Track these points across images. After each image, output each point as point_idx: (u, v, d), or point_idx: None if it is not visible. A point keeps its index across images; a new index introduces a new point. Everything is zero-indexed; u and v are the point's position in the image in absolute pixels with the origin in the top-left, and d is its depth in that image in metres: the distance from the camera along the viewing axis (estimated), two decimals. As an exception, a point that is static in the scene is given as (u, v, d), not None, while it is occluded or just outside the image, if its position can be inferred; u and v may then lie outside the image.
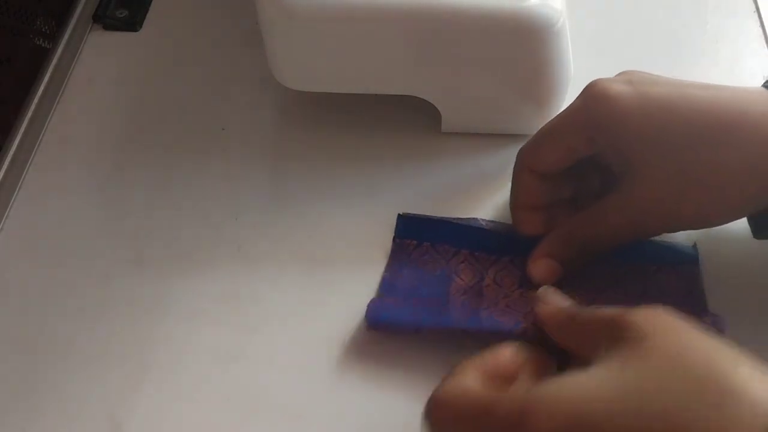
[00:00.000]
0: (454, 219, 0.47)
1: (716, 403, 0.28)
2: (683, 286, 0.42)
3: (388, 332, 0.42)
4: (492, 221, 0.47)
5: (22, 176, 0.52)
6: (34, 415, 0.42)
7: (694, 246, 0.43)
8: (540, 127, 0.44)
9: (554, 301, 0.40)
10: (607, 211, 0.42)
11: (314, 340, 0.43)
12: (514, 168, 0.45)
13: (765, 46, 0.55)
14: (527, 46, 0.46)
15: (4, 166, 0.52)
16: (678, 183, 0.39)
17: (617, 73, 0.43)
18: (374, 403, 0.41)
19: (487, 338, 0.39)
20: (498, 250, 0.45)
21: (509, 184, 0.46)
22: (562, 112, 0.43)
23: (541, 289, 0.41)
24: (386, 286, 0.44)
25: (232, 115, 0.54)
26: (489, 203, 0.48)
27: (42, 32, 0.60)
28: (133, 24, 0.59)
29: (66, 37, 0.59)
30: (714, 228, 0.43)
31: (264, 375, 0.43)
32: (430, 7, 0.44)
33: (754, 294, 0.44)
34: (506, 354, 0.37)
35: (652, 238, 0.43)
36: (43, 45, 0.59)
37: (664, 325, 0.32)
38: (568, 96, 0.49)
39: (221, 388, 0.42)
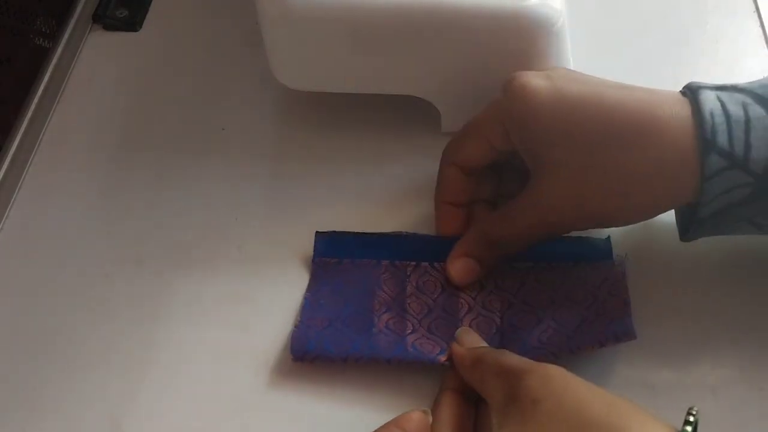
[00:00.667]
0: (371, 233, 0.46)
1: None
2: (599, 276, 0.42)
3: (316, 363, 0.42)
4: (412, 233, 0.46)
5: (22, 176, 0.52)
6: (34, 415, 0.42)
7: (608, 238, 0.44)
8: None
9: (468, 341, 0.40)
10: (518, 209, 0.42)
11: (314, 340, 0.43)
12: (440, 162, 0.46)
13: (765, 46, 0.55)
14: (527, 46, 0.46)
15: (4, 166, 0.52)
16: (583, 182, 0.39)
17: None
18: (373, 403, 0.41)
19: (412, 364, 0.41)
20: (417, 256, 0.45)
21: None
22: (486, 105, 0.43)
23: (459, 330, 0.42)
24: (308, 307, 0.44)
25: (232, 115, 0.54)
26: (489, 203, 0.48)
27: (42, 32, 0.60)
28: (133, 24, 0.59)
29: (66, 37, 0.59)
30: (639, 224, 0.43)
31: (263, 375, 0.43)
32: (430, 7, 0.44)
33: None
34: (414, 419, 0.37)
35: (567, 235, 0.43)
36: (43, 45, 0.59)
37: (556, 386, 0.33)
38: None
39: (221, 388, 0.42)
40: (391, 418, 0.38)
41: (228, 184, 0.50)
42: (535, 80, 0.40)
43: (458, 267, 0.43)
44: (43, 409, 0.42)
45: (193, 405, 0.42)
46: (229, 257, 0.47)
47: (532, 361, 0.36)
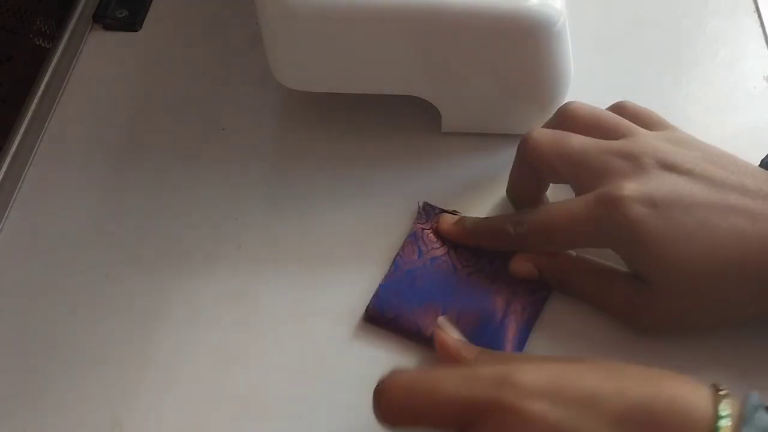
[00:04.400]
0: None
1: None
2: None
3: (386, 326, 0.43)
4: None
5: (22, 176, 0.52)
6: (34, 416, 0.42)
7: None
8: (546, 210, 0.43)
9: (449, 332, 0.41)
10: (614, 287, 0.42)
11: (313, 340, 0.44)
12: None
13: (765, 46, 0.55)
14: (527, 46, 0.46)
15: (4, 166, 0.52)
16: (685, 302, 0.40)
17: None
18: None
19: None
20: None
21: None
22: (570, 207, 0.42)
23: (440, 318, 0.42)
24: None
25: (232, 115, 0.54)
26: (488, 203, 0.48)
27: (42, 32, 0.60)
28: (133, 24, 0.59)
29: (66, 37, 0.59)
30: None
31: (263, 375, 0.43)
32: (430, 6, 0.44)
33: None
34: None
35: None
36: (43, 45, 0.59)
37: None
38: (568, 96, 0.49)
39: (221, 388, 0.42)
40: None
41: (228, 184, 0.51)
42: (637, 208, 0.39)
43: (521, 267, 0.44)
44: (43, 409, 0.42)
45: (193, 405, 0.42)
46: (229, 257, 0.47)
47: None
